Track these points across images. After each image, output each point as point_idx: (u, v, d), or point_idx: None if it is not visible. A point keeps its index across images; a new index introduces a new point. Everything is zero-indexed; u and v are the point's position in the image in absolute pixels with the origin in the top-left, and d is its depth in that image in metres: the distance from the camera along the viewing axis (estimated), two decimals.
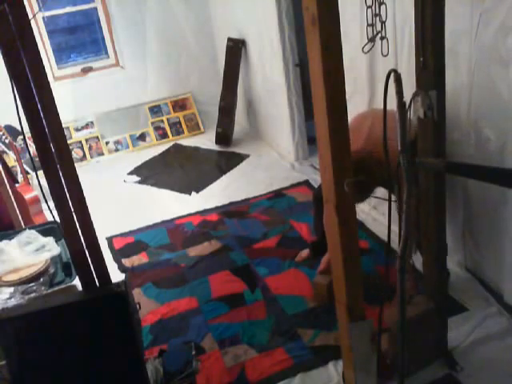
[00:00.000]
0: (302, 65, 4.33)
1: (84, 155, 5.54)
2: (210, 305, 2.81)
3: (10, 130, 4.25)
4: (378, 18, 1.65)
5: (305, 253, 3.16)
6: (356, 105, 3.17)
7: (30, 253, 2.22)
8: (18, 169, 4.02)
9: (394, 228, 1.63)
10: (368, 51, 1.71)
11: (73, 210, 1.56)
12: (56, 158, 1.50)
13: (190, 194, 4.33)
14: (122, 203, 4.32)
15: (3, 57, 1.40)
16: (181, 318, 2.73)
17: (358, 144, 2.33)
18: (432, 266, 2.05)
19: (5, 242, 2.31)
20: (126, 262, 3.37)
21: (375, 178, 2.23)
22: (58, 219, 1.59)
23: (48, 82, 1.44)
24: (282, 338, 2.49)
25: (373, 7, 1.63)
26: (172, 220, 3.86)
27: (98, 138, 5.63)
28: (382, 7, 1.63)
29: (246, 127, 5.59)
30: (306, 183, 4.15)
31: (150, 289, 3.03)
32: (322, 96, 1.44)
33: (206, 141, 5.53)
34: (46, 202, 1.62)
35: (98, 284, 1.69)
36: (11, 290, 2.02)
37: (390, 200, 1.66)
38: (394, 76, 1.42)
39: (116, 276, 1.76)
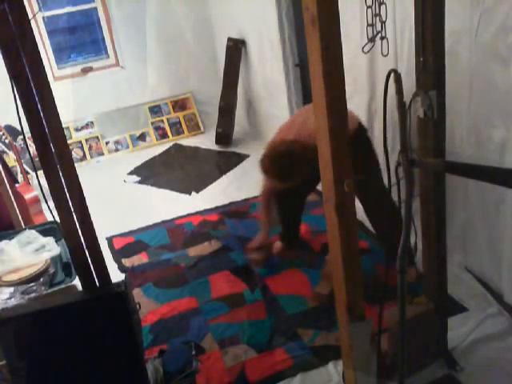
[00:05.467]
0: (302, 65, 4.33)
1: (84, 155, 5.54)
2: (209, 305, 2.81)
3: (9, 130, 4.25)
4: (378, 18, 1.65)
5: (278, 245, 3.21)
6: (356, 105, 3.17)
7: (30, 253, 2.22)
8: (18, 169, 4.02)
9: None
10: (368, 51, 1.71)
11: (73, 210, 1.56)
12: (56, 158, 1.50)
13: (190, 194, 4.33)
14: (122, 203, 4.32)
15: (3, 57, 1.40)
16: (181, 318, 2.73)
17: (291, 136, 2.57)
18: (432, 266, 2.05)
19: (5, 241, 2.31)
20: (126, 262, 3.37)
21: (300, 167, 2.46)
22: (58, 219, 1.59)
23: (48, 82, 1.44)
24: (282, 338, 2.49)
25: (373, 7, 1.63)
26: (172, 220, 3.86)
27: (98, 137, 5.64)
28: (382, 7, 1.63)
29: (246, 127, 5.59)
30: None
31: (149, 289, 3.02)
32: (322, 96, 1.44)
33: (206, 141, 5.53)
34: (46, 202, 1.62)
35: (97, 284, 1.69)
36: (11, 289, 2.02)
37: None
38: (394, 76, 1.42)
39: (116, 276, 1.75)
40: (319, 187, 2.13)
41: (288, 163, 2.44)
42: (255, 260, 3.06)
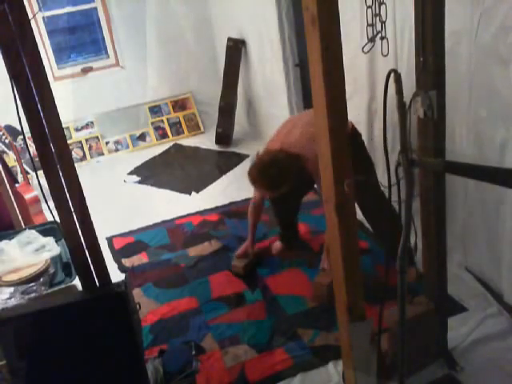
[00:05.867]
0: (302, 65, 4.33)
1: (84, 155, 5.54)
2: (209, 305, 2.81)
3: (9, 130, 4.25)
4: (378, 18, 1.65)
5: (277, 245, 3.23)
6: (356, 105, 3.18)
7: (30, 253, 2.22)
8: (18, 169, 4.02)
9: None
10: (368, 51, 1.71)
11: (73, 210, 1.56)
12: (56, 158, 1.50)
13: (190, 194, 4.33)
14: (122, 203, 4.32)
15: (3, 57, 1.40)
16: (181, 318, 2.73)
17: (276, 145, 2.64)
18: (432, 266, 2.05)
19: (5, 242, 2.31)
20: (126, 262, 3.37)
21: (287, 175, 2.52)
22: (58, 219, 1.59)
23: (48, 82, 1.44)
24: (282, 338, 2.49)
25: (373, 7, 1.63)
26: (172, 220, 3.86)
27: (98, 137, 5.64)
28: (382, 7, 1.63)
29: (246, 127, 5.59)
30: None
31: (149, 289, 3.03)
32: (322, 96, 1.44)
33: (206, 141, 5.53)
34: (46, 202, 1.62)
35: (97, 284, 1.69)
36: (11, 289, 2.02)
37: (390, 199, 1.66)
38: (394, 76, 1.42)
39: (116, 276, 1.75)
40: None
41: (275, 172, 2.48)
42: (235, 267, 3.06)
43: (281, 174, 2.49)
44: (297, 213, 3.26)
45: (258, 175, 2.55)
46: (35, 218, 3.33)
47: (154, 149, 5.57)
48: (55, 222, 1.70)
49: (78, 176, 1.55)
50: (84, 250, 1.63)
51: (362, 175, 2.57)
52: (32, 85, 1.41)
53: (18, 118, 1.50)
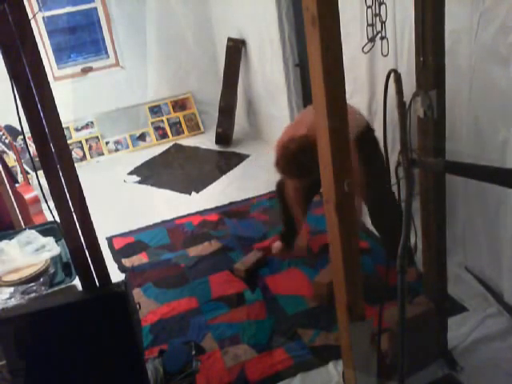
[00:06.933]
0: (302, 65, 4.33)
1: (84, 155, 5.54)
2: (209, 305, 2.81)
3: (9, 129, 4.25)
4: (378, 18, 1.65)
5: (278, 245, 3.22)
6: (356, 105, 3.17)
7: (30, 253, 2.22)
8: (18, 169, 4.02)
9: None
10: (368, 51, 1.71)
11: (73, 210, 1.56)
12: (56, 157, 1.50)
13: (190, 194, 4.33)
14: (122, 203, 4.33)
15: (3, 57, 1.40)
16: (181, 318, 2.73)
17: (301, 131, 2.50)
18: (432, 266, 2.05)
19: (5, 242, 2.31)
20: (126, 262, 3.37)
21: (315, 159, 2.41)
22: (58, 219, 1.59)
23: (48, 82, 1.44)
24: (282, 338, 2.49)
25: (373, 7, 1.63)
26: (172, 220, 3.87)
27: (98, 137, 5.64)
28: (382, 7, 1.64)
29: (246, 127, 5.59)
30: None
31: (149, 289, 3.03)
32: (322, 96, 1.44)
33: (205, 141, 5.53)
34: (46, 202, 1.62)
35: (97, 284, 1.69)
36: (11, 289, 2.02)
37: (390, 199, 1.66)
38: (394, 76, 1.42)
39: (116, 276, 1.75)
40: None
41: (304, 159, 2.40)
42: (237, 270, 3.06)
43: (310, 160, 2.33)
44: (305, 213, 3.20)
45: (287, 165, 2.49)
46: (35, 218, 3.33)
47: (154, 149, 5.57)
48: (55, 222, 1.69)
49: (77, 176, 1.55)
50: (84, 250, 1.63)
51: (374, 174, 2.54)
52: (32, 85, 1.41)
53: (18, 118, 1.50)
